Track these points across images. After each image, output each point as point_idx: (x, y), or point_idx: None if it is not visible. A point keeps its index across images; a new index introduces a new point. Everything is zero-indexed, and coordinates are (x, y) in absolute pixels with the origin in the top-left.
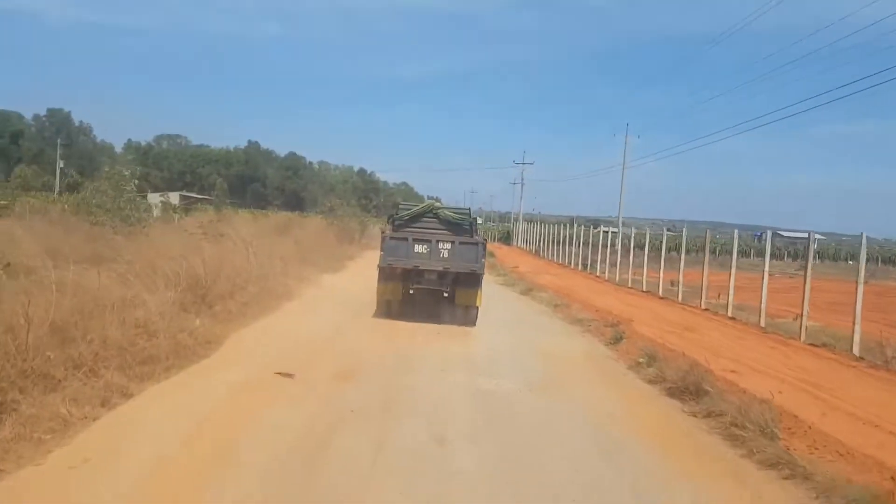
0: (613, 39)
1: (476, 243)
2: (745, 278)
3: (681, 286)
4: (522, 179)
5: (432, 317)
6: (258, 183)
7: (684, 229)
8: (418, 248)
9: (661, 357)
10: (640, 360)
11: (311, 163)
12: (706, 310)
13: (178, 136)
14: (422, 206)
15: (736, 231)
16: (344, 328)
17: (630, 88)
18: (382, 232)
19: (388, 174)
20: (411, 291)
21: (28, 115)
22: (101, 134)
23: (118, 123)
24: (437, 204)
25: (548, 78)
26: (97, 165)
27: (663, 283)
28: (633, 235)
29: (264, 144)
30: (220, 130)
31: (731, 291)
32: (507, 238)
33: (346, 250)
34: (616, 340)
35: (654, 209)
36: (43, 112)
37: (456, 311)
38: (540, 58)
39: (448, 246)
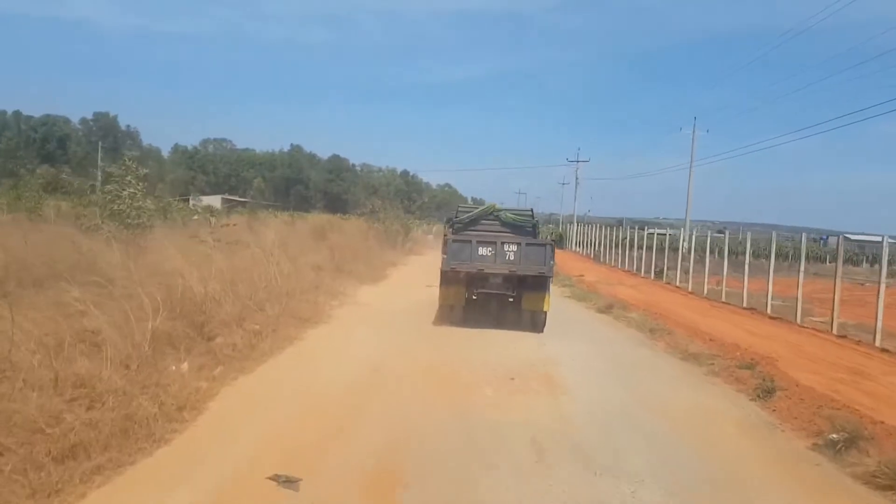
0: (658, 41)
1: (544, 245)
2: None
3: (800, 303)
4: (577, 178)
5: (500, 336)
6: (301, 185)
7: (804, 236)
8: (483, 250)
9: (867, 432)
10: (833, 436)
11: (353, 165)
12: (843, 336)
13: (223, 139)
14: (482, 208)
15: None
16: (385, 370)
17: (677, 90)
18: (444, 235)
19: (431, 176)
20: (475, 297)
21: (75, 120)
22: (148, 138)
23: (166, 128)
24: (498, 206)
25: (594, 79)
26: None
27: (754, 296)
28: (729, 240)
29: (308, 148)
30: (265, 134)
31: (880, 316)
32: (559, 241)
33: (389, 256)
34: (766, 393)
35: (696, 211)
36: (90, 116)
37: (522, 317)
38: (586, 59)
39: (514, 248)
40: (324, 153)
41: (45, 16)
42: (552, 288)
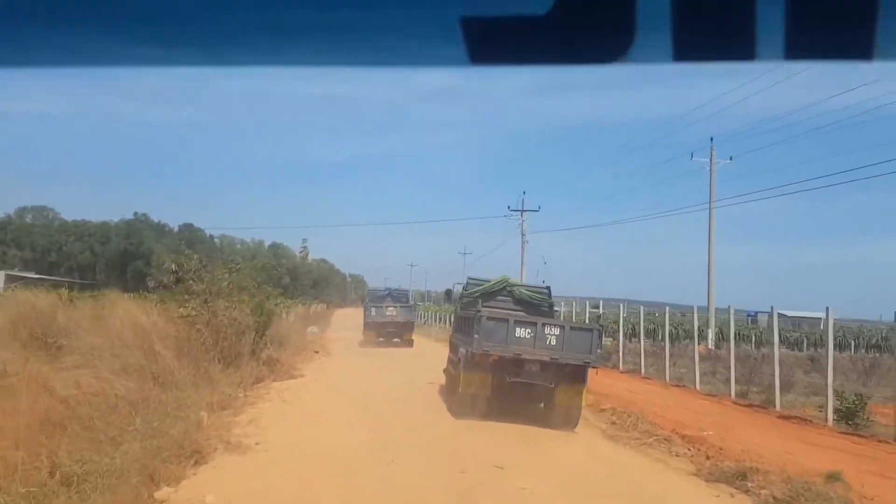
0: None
1: (590, 329)
2: None
3: None
4: (523, 234)
5: None
6: (142, 260)
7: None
8: (520, 331)
9: None
10: None
11: (211, 236)
12: None
13: (43, 207)
14: (494, 281)
15: None
16: None
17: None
18: (477, 311)
19: (303, 251)
20: (502, 386)
21: None
22: None
23: None
24: (512, 280)
25: (481, 158)
26: None
27: None
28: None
29: (157, 218)
30: (105, 206)
31: None
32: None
33: (197, 433)
34: None
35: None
36: None
37: (553, 413)
38: (466, 141)
39: (556, 331)
40: (176, 223)
41: None
42: None
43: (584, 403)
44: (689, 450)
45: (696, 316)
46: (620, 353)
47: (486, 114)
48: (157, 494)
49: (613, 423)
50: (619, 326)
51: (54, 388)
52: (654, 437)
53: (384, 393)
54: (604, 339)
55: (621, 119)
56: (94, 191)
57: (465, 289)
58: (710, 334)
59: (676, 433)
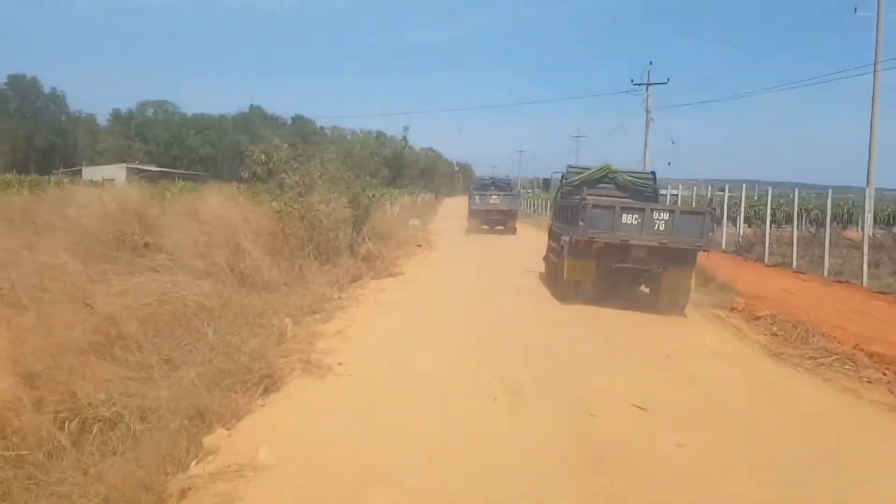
0: None
1: (702, 213)
2: None
3: None
4: (648, 111)
5: None
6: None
7: None
8: (627, 217)
9: None
10: None
11: (322, 128)
12: None
13: (164, 101)
14: (596, 169)
15: None
16: None
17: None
18: (581, 198)
19: (413, 138)
20: (608, 271)
21: None
22: (78, 104)
23: (104, 95)
24: (614, 167)
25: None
26: (72, 140)
27: None
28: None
29: (270, 111)
30: (222, 100)
31: None
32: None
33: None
34: None
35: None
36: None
37: (659, 297)
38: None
39: (665, 216)
40: (289, 116)
41: None
42: None
43: (692, 286)
44: (883, 374)
45: (867, 195)
46: (766, 243)
47: None
48: (206, 441)
49: (775, 335)
50: (757, 213)
51: (95, 303)
52: (834, 356)
53: (486, 293)
54: (742, 227)
55: None
56: (211, 84)
57: (564, 177)
58: (869, 218)
59: (861, 349)
